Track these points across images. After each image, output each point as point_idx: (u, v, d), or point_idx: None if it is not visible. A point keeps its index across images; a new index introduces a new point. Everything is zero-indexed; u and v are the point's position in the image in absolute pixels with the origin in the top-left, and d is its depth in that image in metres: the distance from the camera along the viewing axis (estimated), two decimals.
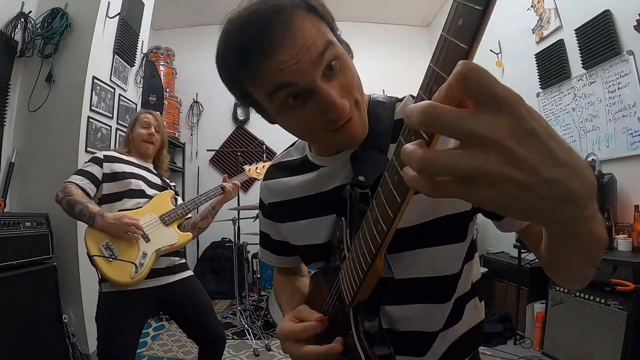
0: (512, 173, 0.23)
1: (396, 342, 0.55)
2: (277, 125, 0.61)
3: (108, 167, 1.60)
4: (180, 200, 1.79)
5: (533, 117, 0.24)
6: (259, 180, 2.13)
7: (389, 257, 0.51)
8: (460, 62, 0.24)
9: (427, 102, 0.25)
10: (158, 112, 1.86)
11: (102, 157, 1.63)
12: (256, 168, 2.01)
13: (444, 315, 0.62)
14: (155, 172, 1.76)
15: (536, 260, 2.84)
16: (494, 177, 0.23)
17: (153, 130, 1.71)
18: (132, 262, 1.46)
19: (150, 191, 1.65)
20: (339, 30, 0.57)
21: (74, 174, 1.59)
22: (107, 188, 1.59)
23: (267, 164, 2.04)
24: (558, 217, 0.26)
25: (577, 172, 0.24)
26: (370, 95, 0.66)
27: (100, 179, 1.59)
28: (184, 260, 1.72)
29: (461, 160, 0.24)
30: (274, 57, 0.47)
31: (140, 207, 1.60)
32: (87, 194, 1.54)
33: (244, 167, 2.05)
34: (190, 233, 1.66)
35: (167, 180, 1.82)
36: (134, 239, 1.50)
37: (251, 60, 0.48)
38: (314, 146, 0.69)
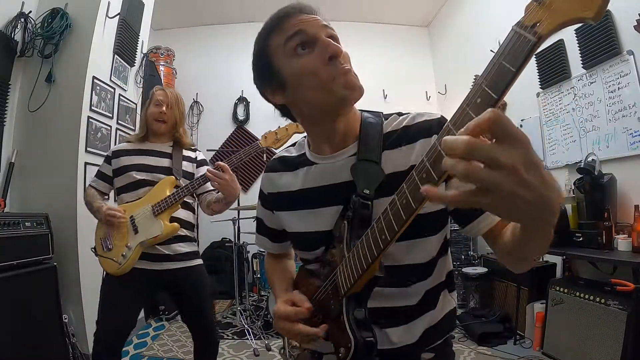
0: (521, 192, 0.33)
1: (385, 316, 0.70)
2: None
3: (115, 163, 1.70)
4: (204, 170, 1.68)
5: (534, 153, 0.34)
6: (276, 150, 1.47)
7: None
8: (490, 109, 0.33)
9: (468, 137, 0.33)
10: (173, 89, 1.84)
11: (110, 155, 1.74)
12: (275, 134, 1.55)
13: (419, 293, 0.72)
14: (169, 151, 1.72)
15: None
16: (507, 192, 0.33)
17: (164, 108, 1.68)
18: (113, 259, 1.59)
19: (154, 177, 1.65)
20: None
21: (94, 175, 1.78)
22: (117, 182, 1.71)
23: (287, 128, 1.51)
24: (544, 222, 0.39)
25: (558, 192, 0.36)
26: (361, 113, 0.77)
27: (112, 175, 1.71)
28: (194, 249, 1.73)
29: (488, 173, 0.33)
30: (298, 15, 0.67)
31: (140, 198, 1.63)
32: (103, 193, 1.74)
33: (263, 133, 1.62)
34: (175, 224, 1.61)
35: (191, 155, 1.76)
36: (117, 224, 1.59)
37: (282, 15, 0.68)
38: (314, 138, 0.77)
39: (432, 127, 0.68)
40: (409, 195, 0.46)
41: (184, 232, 1.67)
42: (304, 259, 0.83)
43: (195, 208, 1.84)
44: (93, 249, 1.66)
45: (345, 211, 0.69)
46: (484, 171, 0.33)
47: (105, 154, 1.83)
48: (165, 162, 1.69)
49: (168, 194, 1.61)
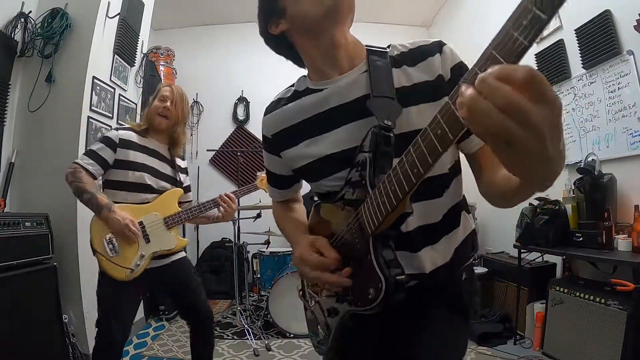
0: (537, 154, 0.35)
1: (415, 237, 0.71)
2: None
3: (122, 154, 1.58)
4: (187, 182, 1.83)
5: (561, 117, 0.35)
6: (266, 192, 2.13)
7: None
8: (530, 68, 0.33)
9: (510, 91, 0.33)
10: (179, 86, 1.84)
11: (117, 142, 1.58)
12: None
13: (442, 208, 0.75)
14: (168, 156, 1.75)
15: (536, 260, 2.83)
16: (526, 150, 0.35)
17: (168, 104, 1.68)
18: (128, 268, 1.53)
19: (159, 184, 1.66)
20: None
21: (85, 155, 1.58)
22: (116, 174, 1.59)
23: None
24: (543, 184, 0.42)
25: (563, 161, 0.39)
26: (365, 47, 0.78)
27: (111, 163, 1.58)
28: None
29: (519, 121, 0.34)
30: None
31: (148, 202, 1.62)
32: (95, 178, 1.57)
33: (257, 173, 2.01)
34: (186, 239, 1.72)
35: (180, 164, 1.81)
36: (132, 240, 1.54)
37: None
38: (319, 62, 0.77)
39: (434, 47, 0.74)
40: (444, 124, 0.42)
41: None
42: (321, 195, 0.81)
43: None
44: (95, 250, 1.55)
45: (363, 141, 0.68)
46: (513, 129, 0.33)
47: None
48: (167, 170, 1.72)
49: (178, 208, 1.68)
